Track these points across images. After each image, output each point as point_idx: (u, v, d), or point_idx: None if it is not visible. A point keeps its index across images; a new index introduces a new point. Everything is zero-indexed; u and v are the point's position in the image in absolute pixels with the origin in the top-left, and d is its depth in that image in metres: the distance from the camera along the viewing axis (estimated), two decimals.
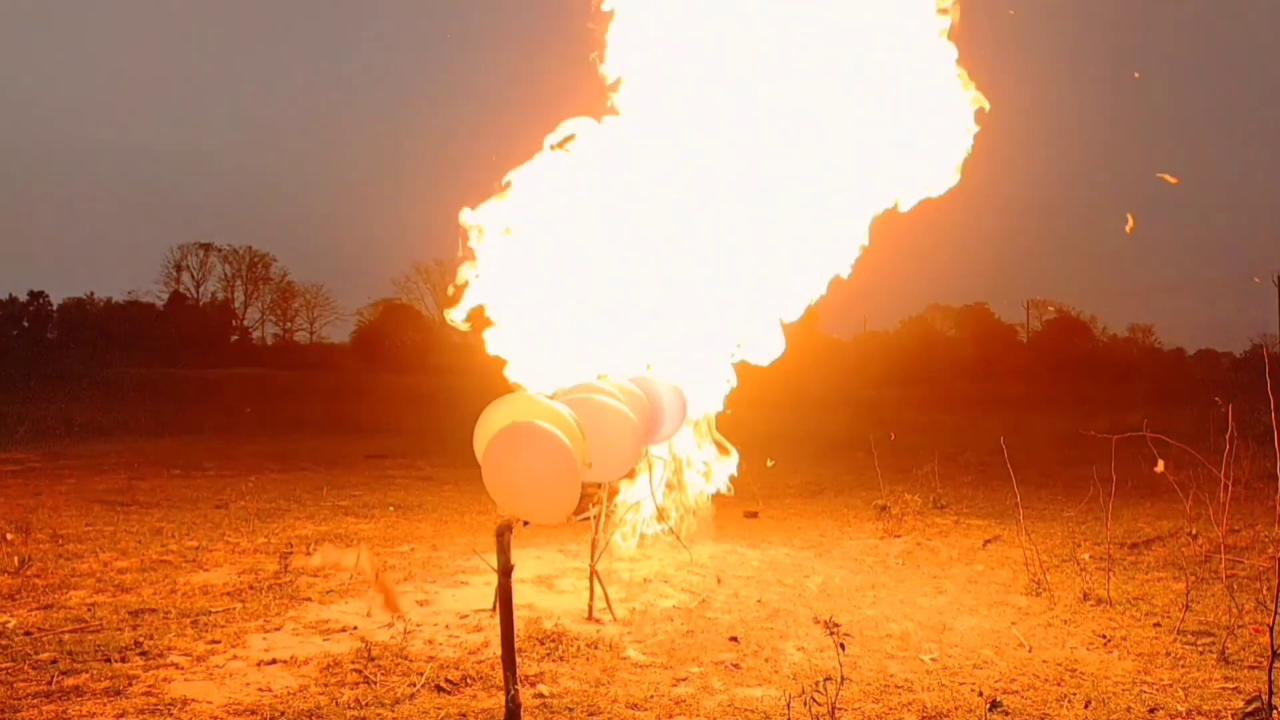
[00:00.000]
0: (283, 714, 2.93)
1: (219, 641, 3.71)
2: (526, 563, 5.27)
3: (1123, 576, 5.04)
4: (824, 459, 12.71)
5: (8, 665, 3.34)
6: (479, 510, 7.24)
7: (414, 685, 3.22)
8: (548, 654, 3.63)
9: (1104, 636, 3.99)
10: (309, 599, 4.42)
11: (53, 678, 3.21)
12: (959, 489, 8.06)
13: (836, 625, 4.12)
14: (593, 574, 4.29)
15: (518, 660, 2.99)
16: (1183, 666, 3.60)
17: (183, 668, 3.38)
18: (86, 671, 3.29)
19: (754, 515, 7.22)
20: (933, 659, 3.64)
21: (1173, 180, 4.62)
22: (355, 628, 3.95)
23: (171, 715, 2.92)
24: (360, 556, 4.62)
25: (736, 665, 3.55)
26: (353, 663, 3.44)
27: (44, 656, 3.43)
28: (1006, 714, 3.08)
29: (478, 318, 4.50)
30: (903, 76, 4.43)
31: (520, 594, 4.49)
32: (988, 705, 3.09)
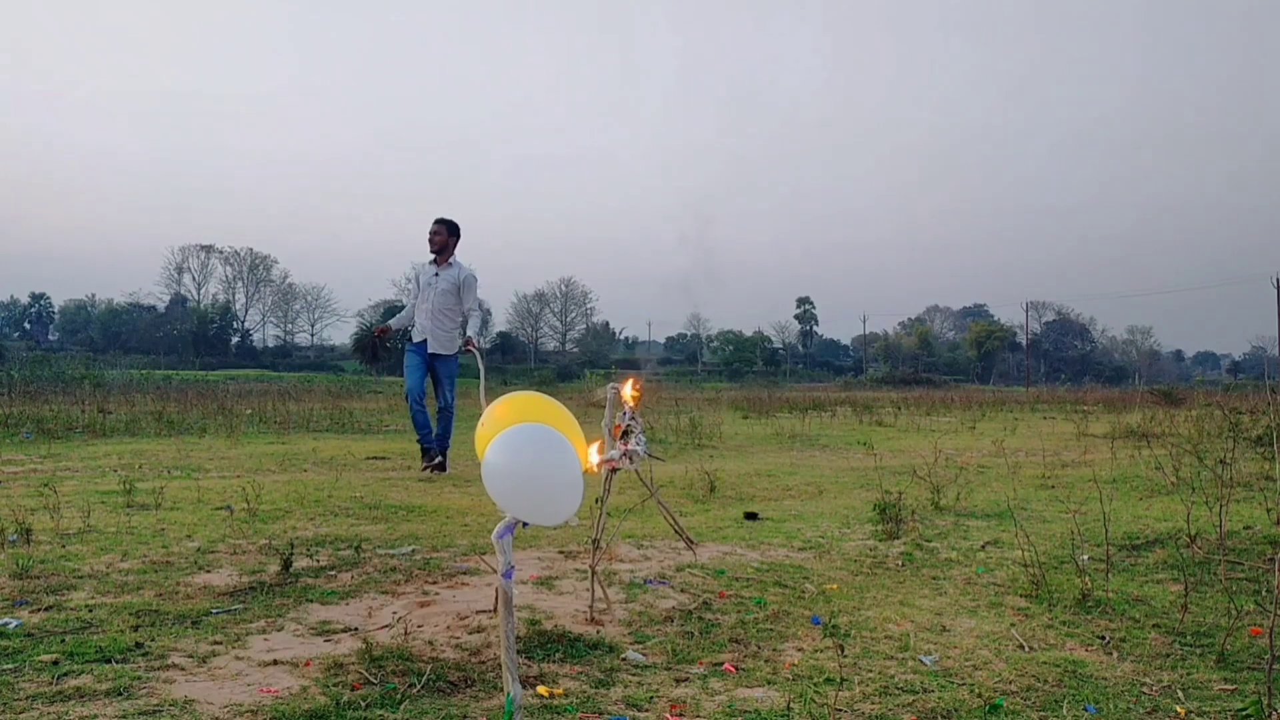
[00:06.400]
0: (285, 715, 2.93)
1: (220, 642, 3.72)
2: (527, 563, 5.28)
3: (1122, 578, 5.05)
4: (823, 459, 12.72)
5: (9, 667, 3.34)
6: (479, 511, 7.25)
7: (414, 686, 3.23)
8: (548, 655, 3.64)
9: (1103, 638, 4.00)
10: (311, 600, 4.43)
11: (54, 679, 3.22)
12: (961, 488, 8.06)
13: (836, 627, 4.14)
14: (593, 575, 4.30)
15: (518, 661, 3.00)
16: (1182, 668, 3.61)
17: (185, 669, 3.39)
18: (88, 673, 3.30)
19: (754, 517, 7.23)
20: (933, 661, 3.65)
21: None
22: (356, 629, 3.96)
23: (173, 716, 2.93)
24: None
25: (737, 667, 3.56)
26: (354, 664, 3.45)
27: (45, 658, 3.44)
28: (1006, 715, 3.09)
29: None
30: None
31: (520, 595, 4.50)
32: (987, 707, 3.10)
